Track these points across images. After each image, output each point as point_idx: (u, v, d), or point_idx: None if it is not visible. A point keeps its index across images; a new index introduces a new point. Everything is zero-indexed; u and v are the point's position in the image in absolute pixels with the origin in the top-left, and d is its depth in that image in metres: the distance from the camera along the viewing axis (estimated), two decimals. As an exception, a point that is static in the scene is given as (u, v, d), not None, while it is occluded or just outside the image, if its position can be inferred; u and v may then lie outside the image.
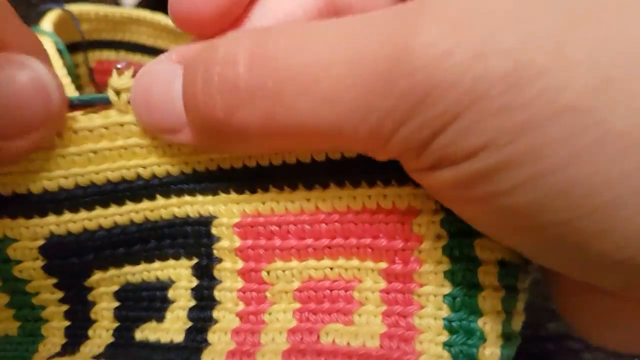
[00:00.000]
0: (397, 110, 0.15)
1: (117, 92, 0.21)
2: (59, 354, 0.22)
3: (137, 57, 0.44)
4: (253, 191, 0.21)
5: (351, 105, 0.15)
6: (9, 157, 0.19)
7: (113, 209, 0.22)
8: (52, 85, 0.18)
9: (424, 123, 0.14)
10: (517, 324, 0.20)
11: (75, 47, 0.42)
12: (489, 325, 0.19)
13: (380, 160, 0.17)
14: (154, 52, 0.44)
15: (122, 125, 0.21)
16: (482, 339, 0.19)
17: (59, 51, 0.37)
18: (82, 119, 0.21)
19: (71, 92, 0.35)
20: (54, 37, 0.37)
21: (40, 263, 0.22)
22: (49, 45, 0.36)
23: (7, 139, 0.18)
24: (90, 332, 0.23)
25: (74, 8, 0.40)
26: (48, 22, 0.38)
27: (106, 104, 0.21)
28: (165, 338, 0.22)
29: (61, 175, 0.21)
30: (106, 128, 0.21)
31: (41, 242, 0.22)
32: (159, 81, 0.19)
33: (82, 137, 0.21)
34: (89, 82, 0.44)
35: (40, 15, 0.39)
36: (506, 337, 0.19)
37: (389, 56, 0.14)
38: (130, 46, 0.43)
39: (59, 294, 0.23)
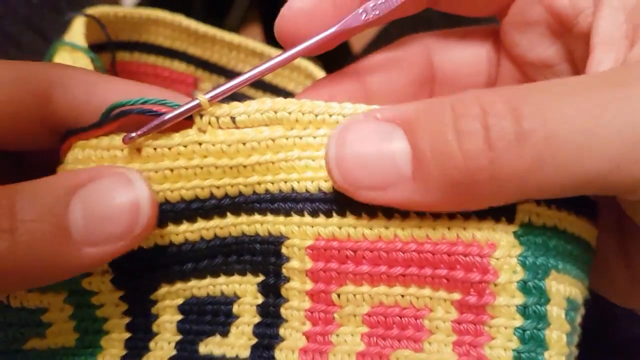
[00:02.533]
0: None
1: (201, 115, 0.21)
2: None
3: (151, 59, 0.43)
4: (328, 216, 0.21)
5: (630, 144, 0.17)
6: (88, 262, 0.20)
7: (184, 226, 0.22)
8: (145, 209, 0.20)
9: None
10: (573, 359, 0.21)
11: (92, 48, 0.40)
12: (554, 359, 0.20)
13: (630, 199, 0.18)
14: (170, 53, 0.43)
15: (200, 144, 0.22)
16: None
17: (95, 68, 0.36)
18: (162, 137, 0.21)
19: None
20: (89, 53, 0.35)
21: (109, 276, 0.22)
22: (86, 62, 0.35)
23: (91, 245, 0.19)
24: (151, 344, 0.23)
25: (95, 11, 0.39)
26: (79, 35, 0.36)
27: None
28: (230, 353, 0.22)
29: None
30: (184, 146, 0.22)
31: None
32: (371, 139, 0.19)
33: (159, 154, 0.22)
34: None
35: (68, 23, 0.38)
36: None
37: None
38: (146, 47, 0.43)
39: (124, 307, 0.23)
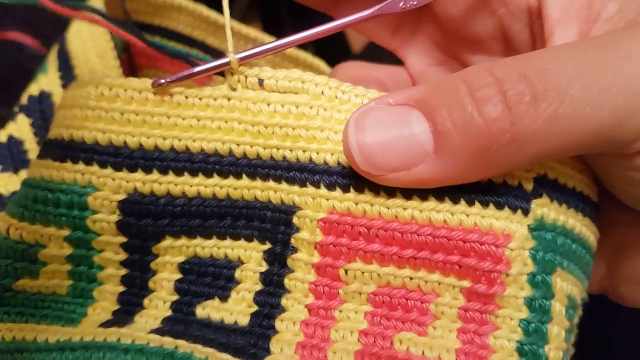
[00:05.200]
0: None
1: (232, 73, 0.21)
2: (112, 322, 0.22)
3: (171, 45, 0.42)
4: (346, 191, 0.21)
5: (634, 96, 0.18)
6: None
7: (200, 179, 0.22)
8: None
9: None
10: (569, 357, 0.22)
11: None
12: (553, 353, 0.20)
13: (628, 152, 0.19)
14: (189, 41, 0.42)
15: (229, 99, 0.22)
16: None
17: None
18: (195, 88, 0.21)
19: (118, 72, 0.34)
20: (110, 19, 0.35)
21: (115, 218, 0.21)
22: (104, 37, 0.34)
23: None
24: (146, 302, 0.22)
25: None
26: (99, 4, 0.36)
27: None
28: (229, 319, 0.22)
29: (160, 134, 0.21)
30: (214, 99, 0.21)
31: (123, 197, 0.21)
32: (391, 123, 0.20)
33: (190, 103, 0.21)
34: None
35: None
36: None
37: None
38: (166, 33, 0.42)
39: (123, 256, 0.22)
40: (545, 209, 0.21)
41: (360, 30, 0.30)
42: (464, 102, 0.19)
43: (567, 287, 0.21)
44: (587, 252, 0.22)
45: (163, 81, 0.21)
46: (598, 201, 0.23)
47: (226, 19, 0.23)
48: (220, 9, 0.41)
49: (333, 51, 0.48)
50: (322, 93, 0.22)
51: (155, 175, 0.21)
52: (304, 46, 0.44)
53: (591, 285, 0.26)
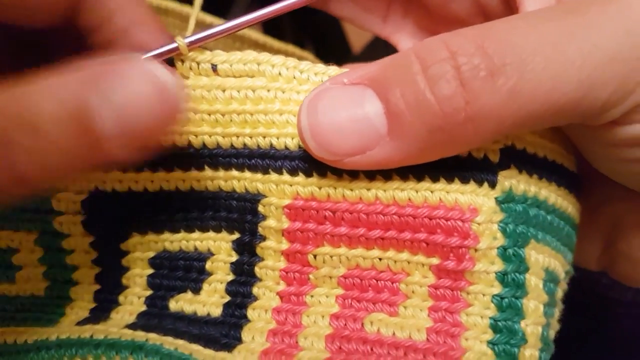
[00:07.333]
0: None
1: (182, 60, 0.21)
2: (89, 319, 0.22)
3: None
4: (308, 175, 0.21)
5: (599, 67, 0.17)
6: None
7: (161, 174, 0.21)
8: (170, 81, 0.17)
9: None
10: (552, 333, 0.21)
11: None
12: (530, 328, 0.20)
13: (594, 124, 0.18)
14: None
15: None
16: (524, 340, 0.19)
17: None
18: None
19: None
20: None
21: (80, 217, 0.21)
22: None
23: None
24: (121, 298, 0.22)
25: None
26: None
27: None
28: (202, 311, 0.22)
29: None
30: None
31: (85, 195, 0.21)
32: (343, 105, 0.19)
33: None
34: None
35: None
36: (544, 342, 0.20)
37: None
38: None
39: (93, 254, 0.22)
40: (513, 180, 0.20)
41: (352, 20, 0.29)
42: (416, 80, 0.18)
43: (544, 259, 0.20)
44: (566, 223, 0.21)
45: None
46: (583, 172, 0.22)
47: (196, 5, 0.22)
48: (209, 11, 0.42)
49: (333, 51, 0.48)
50: (279, 74, 0.21)
51: (115, 173, 0.21)
52: (303, 45, 0.43)
53: (590, 263, 0.25)
